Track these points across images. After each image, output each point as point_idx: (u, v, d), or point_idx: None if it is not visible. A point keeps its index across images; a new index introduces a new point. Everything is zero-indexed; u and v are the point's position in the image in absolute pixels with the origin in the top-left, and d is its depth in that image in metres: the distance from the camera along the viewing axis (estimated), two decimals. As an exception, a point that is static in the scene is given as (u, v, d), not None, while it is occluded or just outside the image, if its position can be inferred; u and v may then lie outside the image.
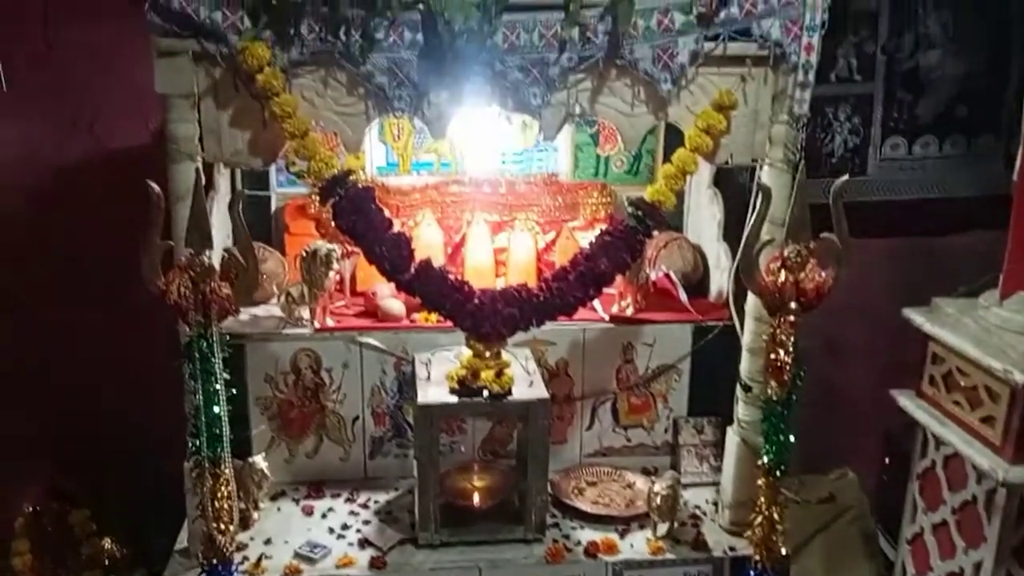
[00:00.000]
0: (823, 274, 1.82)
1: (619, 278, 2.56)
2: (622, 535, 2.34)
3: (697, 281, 2.76)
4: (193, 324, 1.79)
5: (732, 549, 2.29)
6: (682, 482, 2.41)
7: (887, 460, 3.06)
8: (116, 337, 2.74)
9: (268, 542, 2.30)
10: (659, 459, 2.65)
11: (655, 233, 2.18)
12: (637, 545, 2.30)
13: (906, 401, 2.10)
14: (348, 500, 2.49)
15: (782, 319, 1.83)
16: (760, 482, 1.96)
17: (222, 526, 1.87)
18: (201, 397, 1.81)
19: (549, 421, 2.28)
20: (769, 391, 1.88)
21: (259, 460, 2.38)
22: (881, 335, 2.99)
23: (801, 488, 2.68)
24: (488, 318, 2.12)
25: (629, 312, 2.59)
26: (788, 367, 1.82)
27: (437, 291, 2.11)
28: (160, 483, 2.29)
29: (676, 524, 2.34)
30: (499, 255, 2.75)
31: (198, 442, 1.85)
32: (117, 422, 2.81)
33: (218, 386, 1.84)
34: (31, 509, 2.68)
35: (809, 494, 2.71)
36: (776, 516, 1.95)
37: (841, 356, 3.07)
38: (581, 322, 2.55)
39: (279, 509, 2.45)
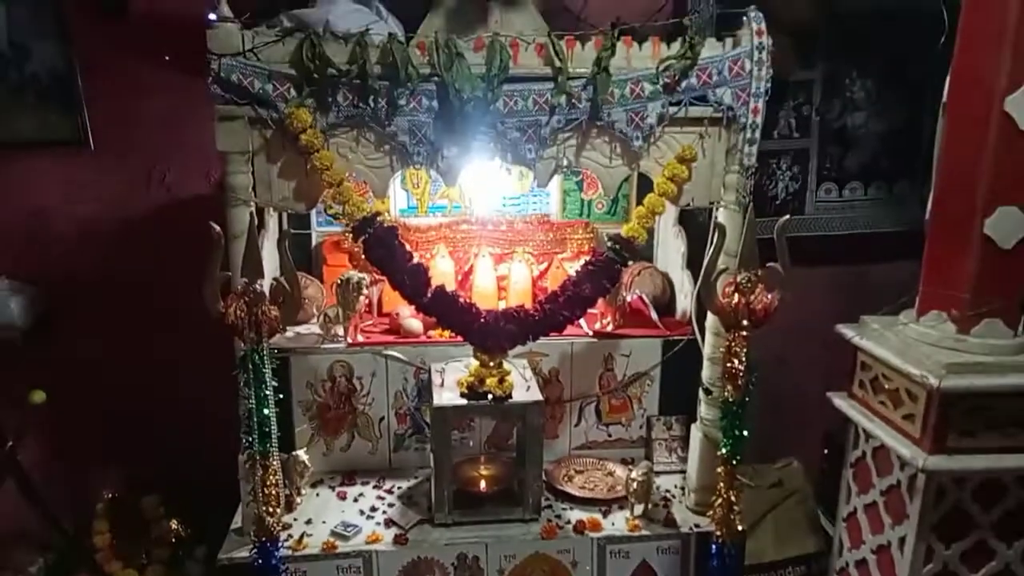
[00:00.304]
0: (769, 296, 1.83)
1: (600, 300, 2.59)
2: (605, 515, 2.33)
3: (665, 303, 2.77)
4: (247, 340, 1.79)
5: (697, 526, 2.27)
6: (654, 470, 2.41)
7: (826, 452, 3.06)
8: (182, 354, 2.74)
9: (309, 522, 2.29)
10: (635, 451, 2.64)
11: (630, 263, 2.20)
12: (617, 523, 2.29)
13: (840, 401, 2.09)
14: (376, 487, 2.48)
15: (736, 334, 1.84)
16: (720, 470, 1.96)
17: (270, 509, 1.86)
18: (253, 401, 1.81)
19: (543, 420, 2.28)
20: (726, 394, 1.88)
21: (301, 453, 2.38)
22: (820, 348, 2.98)
23: (754, 475, 2.67)
24: (492, 334, 2.13)
25: (609, 328, 2.60)
26: (742, 374, 1.83)
27: (449, 312, 2.12)
28: (218, 474, 2.28)
29: (650, 506, 2.33)
30: (501, 282, 2.76)
31: (251, 439, 1.85)
32: (182, 422, 2.82)
33: (267, 392, 1.84)
34: (109, 496, 2.67)
35: (761, 480, 2.70)
36: (733, 498, 1.95)
37: (787, 367, 3.07)
38: (569, 337, 2.55)
39: (318, 495, 2.44)
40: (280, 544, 1.91)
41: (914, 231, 2.29)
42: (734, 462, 1.92)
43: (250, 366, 1.79)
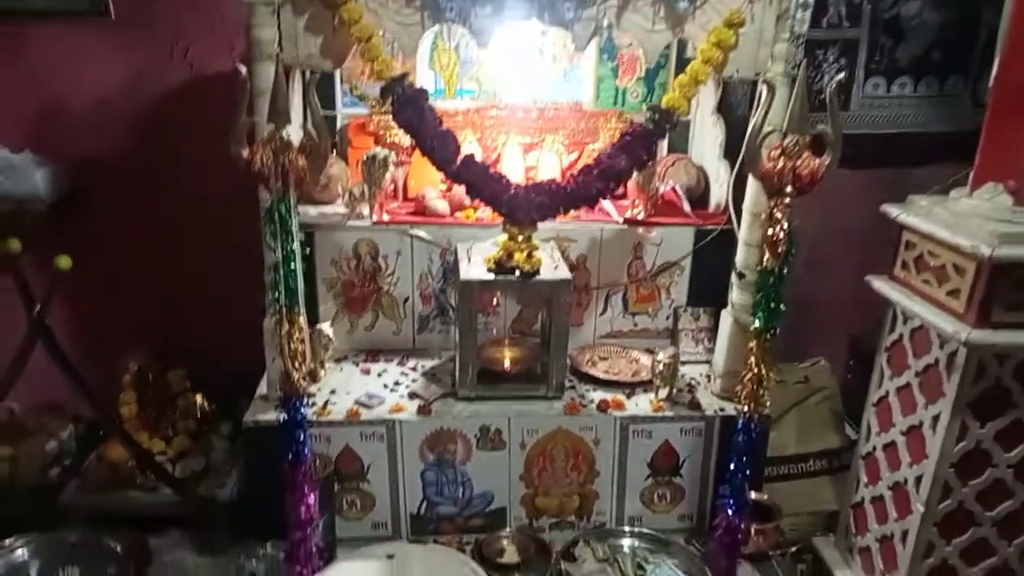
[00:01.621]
0: (816, 162, 1.75)
1: (633, 187, 2.52)
2: (628, 396, 2.31)
3: (699, 195, 2.68)
4: (273, 190, 1.75)
5: (722, 410, 2.25)
6: (681, 359, 2.38)
7: (851, 362, 3.02)
8: (208, 233, 2.72)
9: (333, 392, 2.29)
10: (660, 342, 2.61)
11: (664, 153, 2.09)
12: (641, 405, 2.28)
13: (880, 284, 2.02)
14: (399, 364, 2.48)
15: (779, 201, 1.76)
16: (751, 345, 1.91)
17: (296, 364, 1.85)
18: (280, 254, 1.78)
19: (570, 298, 2.24)
20: (765, 262, 1.81)
21: (325, 327, 2.37)
22: (853, 251, 2.92)
23: (780, 373, 2.62)
24: (522, 205, 2.07)
25: (640, 216, 2.53)
26: (782, 242, 1.75)
27: (479, 180, 2.06)
28: (244, 351, 2.28)
29: (675, 390, 2.31)
30: (529, 172, 2.68)
31: (276, 293, 1.82)
32: (208, 303, 2.82)
33: (294, 246, 1.81)
34: (136, 367, 2.69)
35: (787, 377, 2.65)
36: (764, 373, 1.90)
37: (818, 270, 2.99)
38: (599, 222, 2.50)
39: (341, 369, 2.45)
40: (305, 401, 1.90)
41: (964, 132, 2.17)
42: (767, 336, 1.86)
43: (276, 217, 1.75)
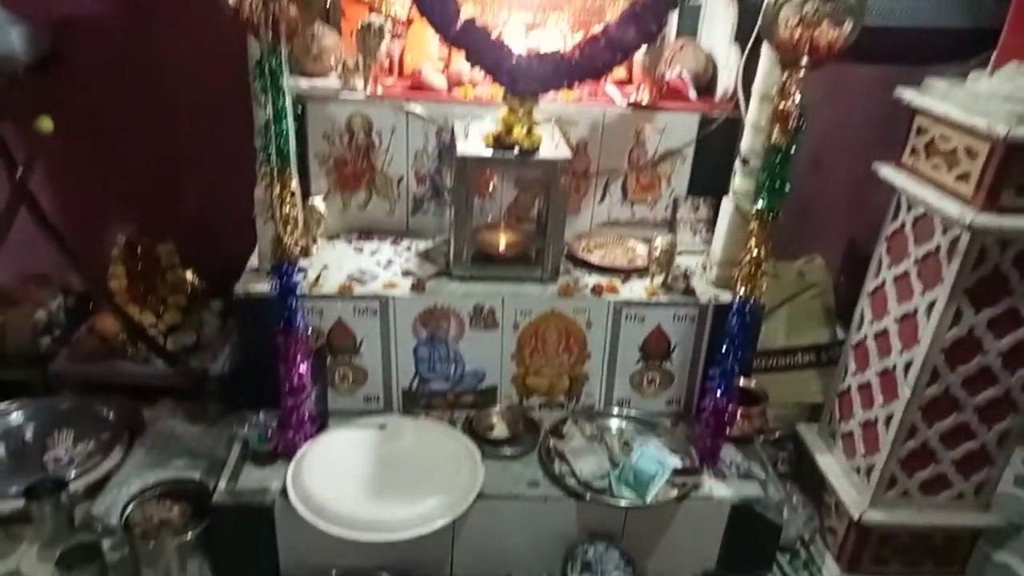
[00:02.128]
0: (836, 32, 1.67)
1: (639, 71, 2.42)
2: (623, 282, 2.29)
3: (706, 82, 2.59)
4: (263, 41, 1.66)
5: (716, 297, 2.25)
6: (678, 249, 2.35)
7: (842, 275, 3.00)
8: (196, 100, 2.62)
9: (325, 268, 2.25)
10: (659, 232, 2.56)
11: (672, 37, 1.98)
12: (635, 290, 2.26)
13: (887, 170, 1.98)
14: (393, 244, 2.44)
15: (793, 72, 1.69)
16: (752, 227, 1.88)
17: (288, 230, 1.81)
18: (270, 111, 1.70)
19: (569, 180, 2.19)
20: (773, 138, 1.76)
21: (318, 201, 2.31)
22: (860, 153, 2.85)
23: (775, 268, 2.62)
24: (524, 75, 1.98)
25: (645, 102, 2.45)
26: (792, 116, 1.69)
27: (479, 46, 1.96)
28: (235, 233, 2.24)
29: (670, 277, 2.30)
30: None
31: (267, 153, 1.76)
32: (196, 174, 2.76)
33: (285, 103, 1.73)
34: (124, 240, 2.64)
35: (782, 273, 2.65)
36: (762, 257, 1.89)
37: (820, 169, 2.94)
38: (602, 105, 2.41)
39: (334, 247, 2.41)
40: (298, 268, 1.88)
41: (983, 29, 2.07)
42: (770, 217, 1.83)
43: (266, 70, 1.67)
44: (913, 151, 1.92)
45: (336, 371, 2.24)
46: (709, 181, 2.48)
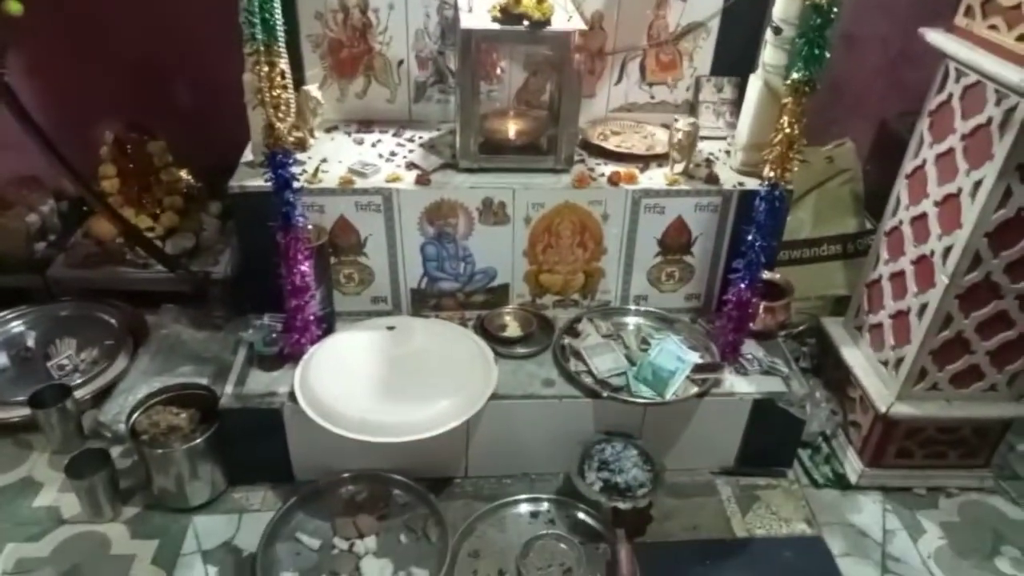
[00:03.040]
0: None
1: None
2: (641, 171, 2.15)
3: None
4: None
5: (741, 184, 2.10)
6: (700, 134, 2.20)
7: (872, 160, 2.82)
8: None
9: (324, 161, 2.11)
10: (680, 116, 2.40)
11: None
12: (655, 179, 2.12)
13: (935, 35, 1.78)
14: (395, 135, 2.28)
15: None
16: (786, 101, 1.71)
17: (279, 115, 1.67)
18: (252, -21, 1.52)
19: (584, 56, 2.00)
20: (817, -5, 1.57)
21: (312, 88, 2.14)
22: (898, 29, 2.63)
23: (803, 154, 2.45)
24: (533, -66, 1.78)
25: (666, -33, 2.22)
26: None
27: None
28: (229, 130, 2.08)
29: (692, 164, 2.15)
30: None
31: (252, 31, 1.59)
32: (184, 68, 2.58)
33: (267, -31, 1.55)
34: (112, 137, 2.50)
35: (809, 157, 2.49)
36: (796, 135, 1.73)
37: (854, 43, 2.71)
38: (620, -29, 2.19)
39: (333, 139, 2.26)
40: (294, 159, 1.75)
41: None
42: (806, 90, 1.67)
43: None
44: (968, 11, 1.72)
45: (341, 271, 2.14)
46: (735, 58, 2.29)
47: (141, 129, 2.54)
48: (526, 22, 1.90)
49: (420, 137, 2.27)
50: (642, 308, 2.24)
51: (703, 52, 2.30)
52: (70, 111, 2.57)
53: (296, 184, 1.78)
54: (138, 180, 2.56)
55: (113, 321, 2.43)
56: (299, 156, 2.12)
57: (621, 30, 2.25)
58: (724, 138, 2.34)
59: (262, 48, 1.57)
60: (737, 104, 2.31)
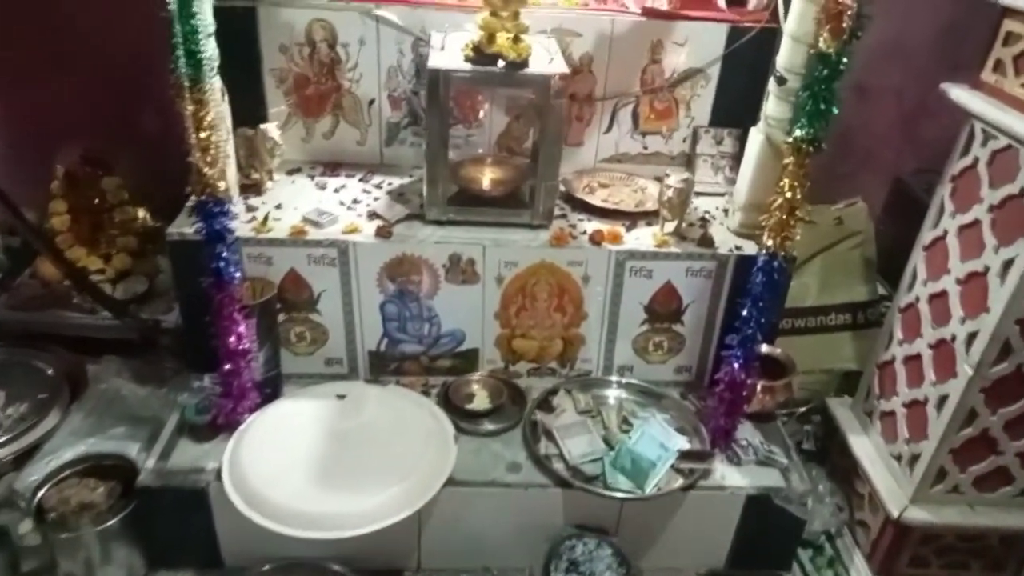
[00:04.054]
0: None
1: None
2: (628, 229, 1.93)
3: (737, -13, 2.16)
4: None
5: (738, 248, 1.88)
6: (695, 191, 1.99)
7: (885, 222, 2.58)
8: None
9: (279, 207, 1.92)
10: (674, 169, 2.18)
11: None
12: (643, 239, 1.90)
13: (959, 92, 1.57)
14: (362, 180, 2.08)
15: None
16: (787, 161, 1.49)
17: (209, 158, 1.47)
18: (175, 4, 1.33)
19: (565, 100, 1.80)
20: (821, 42, 1.36)
21: (271, 127, 1.95)
22: (915, 80, 2.43)
23: (811, 214, 2.23)
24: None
25: (664, 7, 2.03)
26: (848, 13, 1.29)
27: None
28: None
29: (684, 224, 1.93)
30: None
31: (173, 63, 1.40)
32: (144, 95, 2.39)
33: (196, -7, 1.35)
34: (64, 172, 2.32)
35: (816, 217, 2.26)
36: (797, 199, 1.51)
37: (868, 100, 2.50)
38: (611, 13, 2.00)
39: (294, 182, 2.06)
40: (228, 207, 1.54)
41: None
42: (811, 148, 1.45)
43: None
44: (997, 66, 1.51)
45: (291, 329, 1.93)
46: (736, 109, 2.09)
47: (96, 163, 2.35)
48: (501, 62, 1.70)
49: (389, 184, 2.07)
50: (626, 380, 2.00)
51: (702, 100, 2.10)
52: (22, 139, 2.39)
53: (231, 236, 1.57)
54: (90, 218, 2.36)
55: (50, 371, 2.20)
56: (253, 201, 1.94)
57: (612, 74, 2.06)
58: (723, 194, 2.12)
59: (187, 84, 1.37)
60: (737, 158, 2.10)
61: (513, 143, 2.14)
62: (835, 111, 1.41)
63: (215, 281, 1.59)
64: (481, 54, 1.70)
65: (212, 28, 1.45)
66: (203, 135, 1.43)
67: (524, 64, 1.70)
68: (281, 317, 1.89)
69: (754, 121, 1.91)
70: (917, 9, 2.33)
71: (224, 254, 1.56)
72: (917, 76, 2.38)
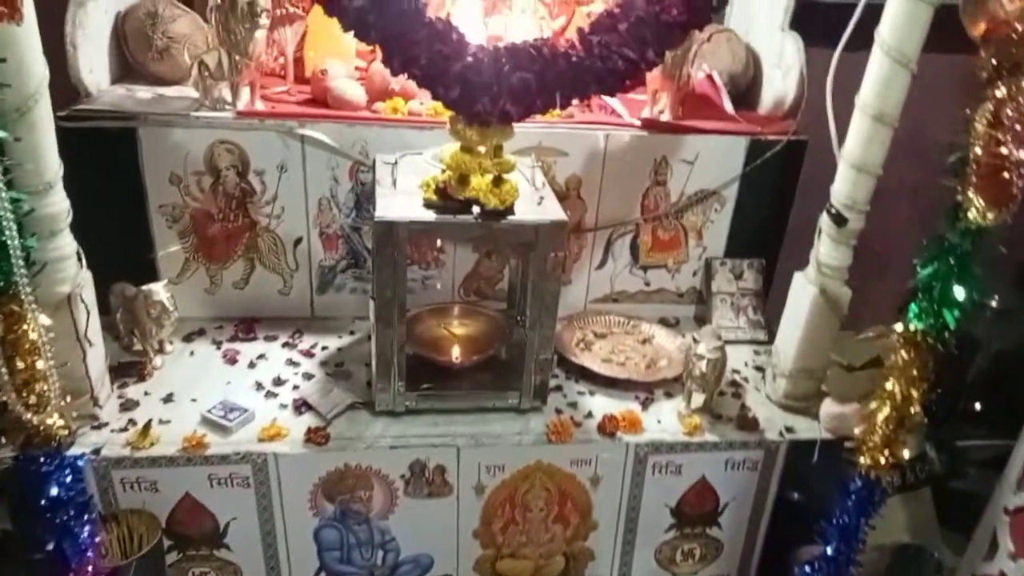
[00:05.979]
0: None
1: (656, 74, 1.57)
2: (644, 406, 1.45)
3: (746, 86, 1.77)
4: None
5: (790, 431, 1.42)
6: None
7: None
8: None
9: (169, 400, 1.36)
10: (682, 308, 1.74)
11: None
12: (666, 420, 1.42)
13: None
14: (287, 345, 1.54)
15: (1015, 85, 0.84)
16: (897, 357, 1.05)
17: (32, 399, 0.91)
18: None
19: (565, 255, 1.33)
20: (972, 214, 0.92)
21: (157, 288, 1.41)
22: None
23: (843, 350, 1.80)
24: (487, 86, 1.11)
25: (665, 117, 1.61)
26: (1019, 171, 0.85)
27: (409, 33, 1.07)
28: None
29: (715, 397, 1.46)
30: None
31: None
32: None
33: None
34: None
35: (852, 356, 1.83)
36: (910, 410, 1.06)
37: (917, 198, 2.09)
38: (602, 127, 1.56)
39: (192, 354, 1.50)
40: (63, 451, 0.98)
41: None
42: (938, 346, 1.00)
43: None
44: None
45: (189, 570, 1.35)
46: (757, 236, 1.68)
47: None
48: (476, 208, 1.22)
49: (324, 347, 1.54)
50: (648, 601, 1.49)
51: (716, 227, 1.67)
52: None
53: (81, 495, 1.01)
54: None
55: None
56: (132, 391, 1.37)
57: (607, 199, 1.61)
58: (749, 342, 1.67)
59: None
60: (762, 296, 1.68)
61: (484, 285, 1.65)
62: (975, 298, 0.96)
63: (57, 561, 1.01)
64: (448, 198, 1.21)
65: (57, 173, 0.92)
66: (23, 364, 0.87)
67: (508, 211, 1.22)
68: (175, 556, 1.31)
69: (777, 249, 1.49)
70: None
71: (71, 523, 0.99)
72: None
